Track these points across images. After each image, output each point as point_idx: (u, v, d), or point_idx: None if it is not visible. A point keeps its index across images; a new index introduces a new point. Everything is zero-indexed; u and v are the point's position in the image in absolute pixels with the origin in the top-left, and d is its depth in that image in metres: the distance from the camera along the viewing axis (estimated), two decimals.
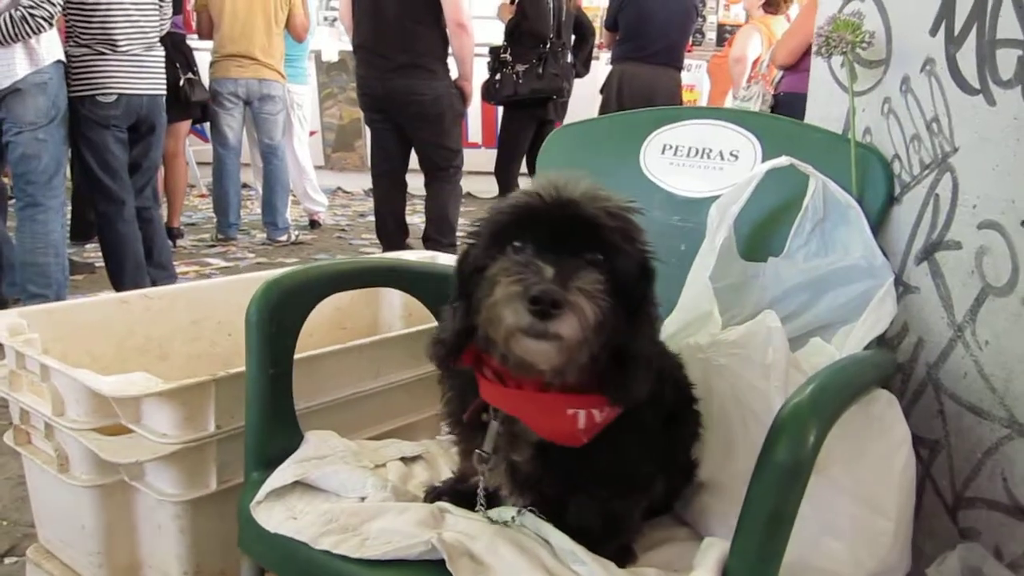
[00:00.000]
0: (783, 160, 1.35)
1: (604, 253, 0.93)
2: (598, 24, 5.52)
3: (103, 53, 3.51)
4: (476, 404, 1.08)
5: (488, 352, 1.00)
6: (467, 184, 5.55)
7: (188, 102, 4.72)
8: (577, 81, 5.04)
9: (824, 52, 1.36)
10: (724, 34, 7.73)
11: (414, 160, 4.27)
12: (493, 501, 1.14)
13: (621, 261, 0.94)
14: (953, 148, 1.25)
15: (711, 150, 1.52)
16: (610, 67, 5.24)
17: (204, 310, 1.91)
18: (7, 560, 1.97)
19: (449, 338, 1.02)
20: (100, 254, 3.87)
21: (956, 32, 1.23)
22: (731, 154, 1.50)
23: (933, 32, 1.27)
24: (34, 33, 3.16)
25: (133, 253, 3.72)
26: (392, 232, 4.33)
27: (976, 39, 1.20)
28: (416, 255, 2.26)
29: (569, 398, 0.99)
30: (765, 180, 1.37)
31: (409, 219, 4.56)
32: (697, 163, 1.53)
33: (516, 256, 0.93)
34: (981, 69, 1.20)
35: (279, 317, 1.29)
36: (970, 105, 1.22)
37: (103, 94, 3.53)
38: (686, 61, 5.53)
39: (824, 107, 1.52)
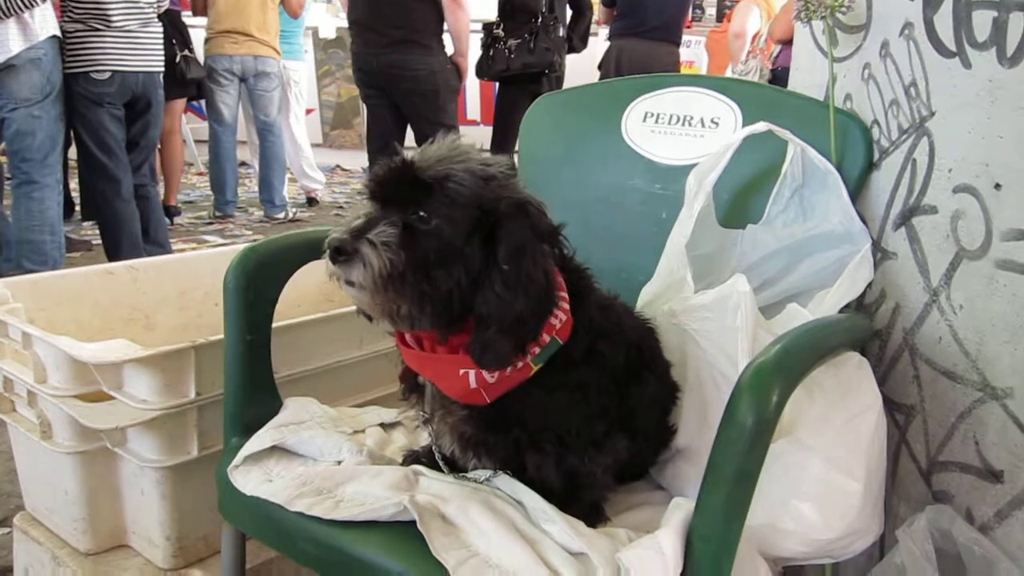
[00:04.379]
0: (761, 126, 1.35)
1: (429, 213, 0.97)
2: None
3: (97, 29, 3.49)
4: (406, 367, 1.12)
5: None
6: None
7: (184, 79, 4.72)
8: (575, 57, 5.01)
9: (804, 17, 1.35)
10: (723, 9, 7.65)
11: (411, 137, 4.25)
12: (459, 467, 1.16)
13: (444, 221, 0.97)
14: (930, 112, 1.24)
15: (692, 117, 1.51)
16: (608, 43, 5.21)
17: (190, 281, 1.91)
18: (1, 530, 1.99)
19: None
20: (97, 231, 3.88)
21: None
22: (712, 121, 1.49)
23: None
24: (27, 8, 3.15)
25: (129, 231, 3.73)
26: None
27: (952, 1, 1.19)
28: None
29: (462, 359, 1.01)
30: (744, 147, 1.36)
31: None
32: (678, 130, 1.52)
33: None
34: (957, 31, 1.19)
35: (257, 283, 1.29)
36: (946, 68, 1.21)
37: (97, 71, 3.51)
38: (685, 37, 5.48)
39: (807, 74, 1.51)
